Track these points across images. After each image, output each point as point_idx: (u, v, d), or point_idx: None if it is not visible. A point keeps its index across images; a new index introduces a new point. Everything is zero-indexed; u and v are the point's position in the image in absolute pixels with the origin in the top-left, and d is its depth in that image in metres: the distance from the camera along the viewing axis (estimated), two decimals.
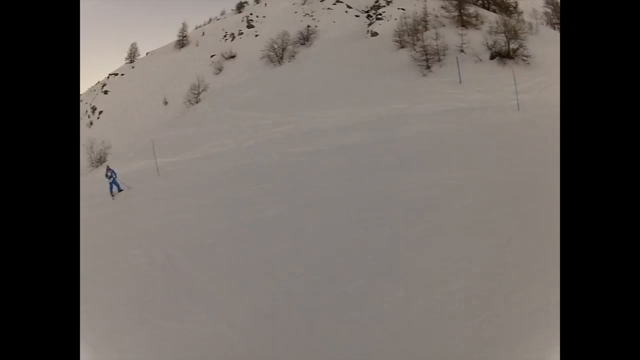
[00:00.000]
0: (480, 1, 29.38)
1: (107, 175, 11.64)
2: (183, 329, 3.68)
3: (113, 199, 11.18)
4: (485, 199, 4.99)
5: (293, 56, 30.80)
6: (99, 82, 74.65)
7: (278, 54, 31.05)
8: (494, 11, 28.07)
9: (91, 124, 37.54)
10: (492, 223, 4.35)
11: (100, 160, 21.53)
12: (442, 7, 23.54)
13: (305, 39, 32.81)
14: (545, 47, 16.79)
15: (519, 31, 17.97)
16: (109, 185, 11.48)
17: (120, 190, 11.51)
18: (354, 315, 3.37)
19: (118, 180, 11.60)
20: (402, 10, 29.01)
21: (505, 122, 8.43)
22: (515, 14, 28.34)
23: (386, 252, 4.27)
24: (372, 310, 3.40)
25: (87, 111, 42.31)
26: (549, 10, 32.81)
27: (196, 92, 28.42)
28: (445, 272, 3.70)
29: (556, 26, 29.51)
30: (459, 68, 15.44)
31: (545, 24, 29.79)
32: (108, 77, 45.97)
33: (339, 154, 8.00)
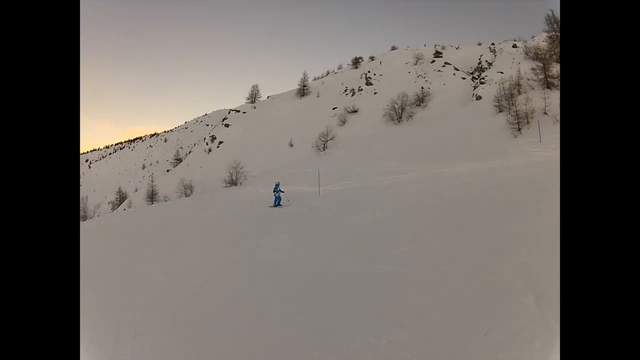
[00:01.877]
0: None
1: (274, 190, 13.59)
2: None
3: (274, 206, 13.20)
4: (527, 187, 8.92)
5: (411, 116, 33.39)
6: (206, 114, 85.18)
7: (398, 113, 33.67)
8: None
9: (210, 150, 41.04)
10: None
11: (235, 181, 23.87)
12: (532, 69, 26.20)
13: (421, 100, 35.65)
14: None
15: None
16: (274, 199, 13.46)
17: (279, 205, 13.27)
18: None
19: (282, 196, 13.50)
20: (500, 74, 32.47)
21: None
22: None
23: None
24: None
25: (205, 139, 48.65)
26: None
27: (324, 139, 31.56)
28: None
29: None
30: (539, 130, 18.26)
31: None
32: (229, 112, 50.76)
33: (457, 185, 11.04)
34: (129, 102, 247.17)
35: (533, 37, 48.87)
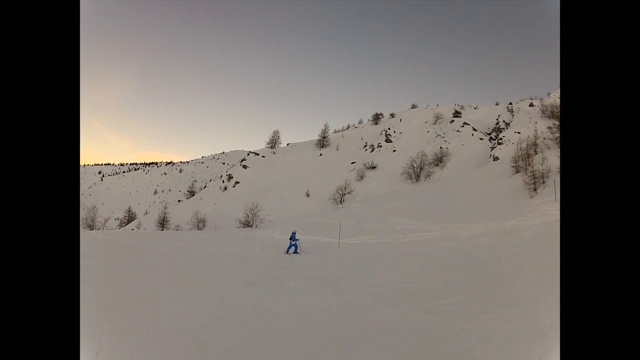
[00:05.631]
0: None
1: (291, 238, 13.53)
2: None
3: (287, 253, 13.06)
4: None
5: (429, 175, 33.91)
6: (224, 152, 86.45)
7: (416, 171, 34.23)
8: None
9: (225, 189, 42.45)
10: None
11: (250, 223, 24.08)
12: (548, 128, 26.47)
13: (439, 160, 36.41)
14: None
15: None
16: (289, 245, 13.34)
17: (296, 252, 13.14)
18: None
19: (298, 244, 13.40)
20: (517, 134, 33.23)
21: None
22: None
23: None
24: None
25: (222, 176, 48.60)
26: None
27: (342, 192, 31.76)
28: None
29: None
30: (555, 189, 18.31)
31: None
32: (248, 154, 50.79)
33: (475, 245, 11.59)
34: (149, 125, 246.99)
35: (549, 94, 50.74)
